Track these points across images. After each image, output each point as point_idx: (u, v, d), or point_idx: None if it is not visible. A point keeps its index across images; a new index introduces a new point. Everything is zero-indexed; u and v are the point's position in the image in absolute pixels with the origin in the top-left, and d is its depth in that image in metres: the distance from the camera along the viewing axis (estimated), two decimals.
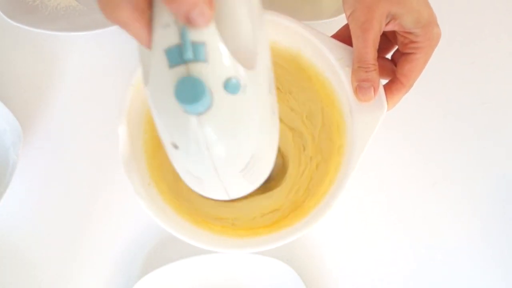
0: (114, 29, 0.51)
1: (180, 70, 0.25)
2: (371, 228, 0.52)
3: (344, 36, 0.42)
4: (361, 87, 0.39)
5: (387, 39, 0.42)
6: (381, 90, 0.40)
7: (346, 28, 0.42)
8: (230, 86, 0.26)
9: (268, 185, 0.48)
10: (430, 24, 0.37)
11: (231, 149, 0.29)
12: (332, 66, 0.42)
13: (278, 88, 0.49)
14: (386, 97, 0.39)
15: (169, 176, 0.48)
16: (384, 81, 0.40)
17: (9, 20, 0.52)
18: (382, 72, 0.41)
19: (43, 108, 0.55)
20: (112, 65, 0.55)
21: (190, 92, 0.24)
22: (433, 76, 0.52)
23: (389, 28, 0.38)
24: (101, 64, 0.55)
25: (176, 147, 0.29)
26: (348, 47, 0.41)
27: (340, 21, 0.53)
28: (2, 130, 0.52)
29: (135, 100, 0.44)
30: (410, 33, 0.38)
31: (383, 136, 0.48)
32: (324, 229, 0.53)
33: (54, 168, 0.54)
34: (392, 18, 0.37)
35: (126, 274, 0.53)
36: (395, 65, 0.41)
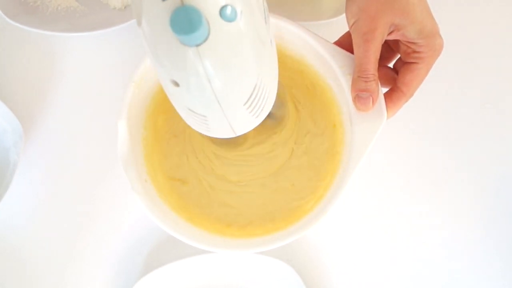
0: (115, 29, 0.51)
1: (173, 0, 0.24)
2: (371, 228, 0.53)
3: (346, 44, 0.42)
4: (359, 97, 0.39)
5: (389, 48, 0.42)
6: (381, 99, 0.40)
7: (348, 35, 0.42)
8: (226, 13, 0.25)
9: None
10: (433, 35, 0.37)
11: (233, 79, 0.28)
12: (334, 73, 0.42)
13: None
14: (386, 106, 0.39)
15: (167, 173, 0.49)
16: (384, 89, 0.40)
17: (9, 20, 0.52)
18: (383, 81, 0.41)
19: (44, 108, 0.55)
20: (112, 66, 0.55)
21: (186, 22, 0.23)
22: (435, 76, 0.52)
23: (392, 37, 0.38)
24: (101, 65, 0.55)
25: (176, 84, 0.28)
26: (351, 55, 0.41)
27: (339, 22, 0.54)
28: (3, 130, 0.53)
29: (136, 97, 0.44)
30: (413, 43, 0.38)
31: (384, 135, 0.48)
32: (324, 229, 0.53)
33: (55, 168, 0.54)
34: (395, 28, 0.37)
35: (126, 274, 0.53)
36: (397, 73, 0.41)
